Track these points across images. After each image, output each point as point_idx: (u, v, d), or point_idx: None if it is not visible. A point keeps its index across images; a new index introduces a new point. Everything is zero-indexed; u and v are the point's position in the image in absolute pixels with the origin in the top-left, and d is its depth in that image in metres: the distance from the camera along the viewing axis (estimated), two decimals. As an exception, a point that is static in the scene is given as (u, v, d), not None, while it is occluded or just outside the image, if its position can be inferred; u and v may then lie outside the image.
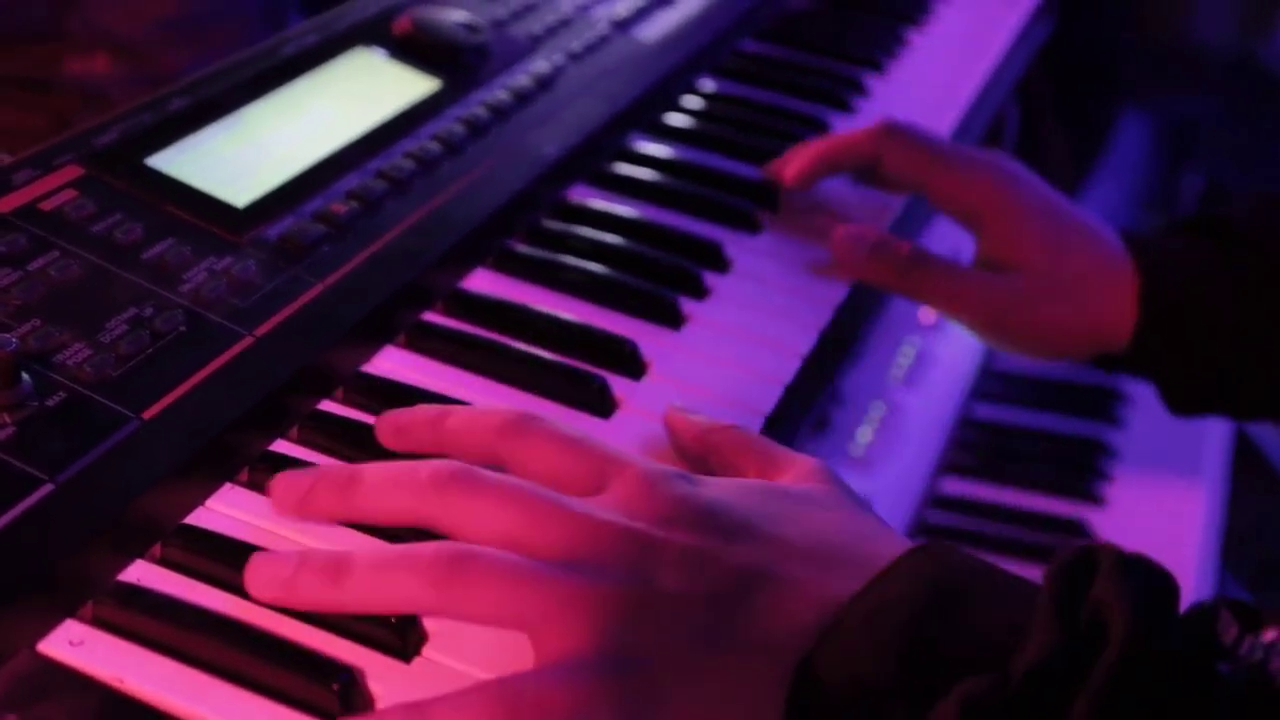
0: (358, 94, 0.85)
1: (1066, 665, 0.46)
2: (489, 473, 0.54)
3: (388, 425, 0.61)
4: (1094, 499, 1.22)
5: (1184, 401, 0.87)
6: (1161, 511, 1.19)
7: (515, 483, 0.54)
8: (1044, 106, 1.74)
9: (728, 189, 0.89)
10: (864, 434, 1.16)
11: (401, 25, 0.92)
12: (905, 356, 1.27)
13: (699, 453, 0.63)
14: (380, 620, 0.54)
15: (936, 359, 1.29)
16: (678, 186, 0.89)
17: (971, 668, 0.47)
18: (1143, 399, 1.33)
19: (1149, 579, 0.49)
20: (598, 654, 0.50)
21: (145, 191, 0.71)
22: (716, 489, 0.56)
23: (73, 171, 0.70)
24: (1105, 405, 1.32)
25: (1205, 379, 0.84)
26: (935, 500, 1.21)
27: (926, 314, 1.34)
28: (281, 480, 0.58)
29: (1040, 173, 0.88)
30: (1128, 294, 0.83)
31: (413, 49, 0.91)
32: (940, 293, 0.82)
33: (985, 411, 1.33)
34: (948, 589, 0.50)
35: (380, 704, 0.52)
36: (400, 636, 0.54)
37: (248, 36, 1.28)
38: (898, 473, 1.15)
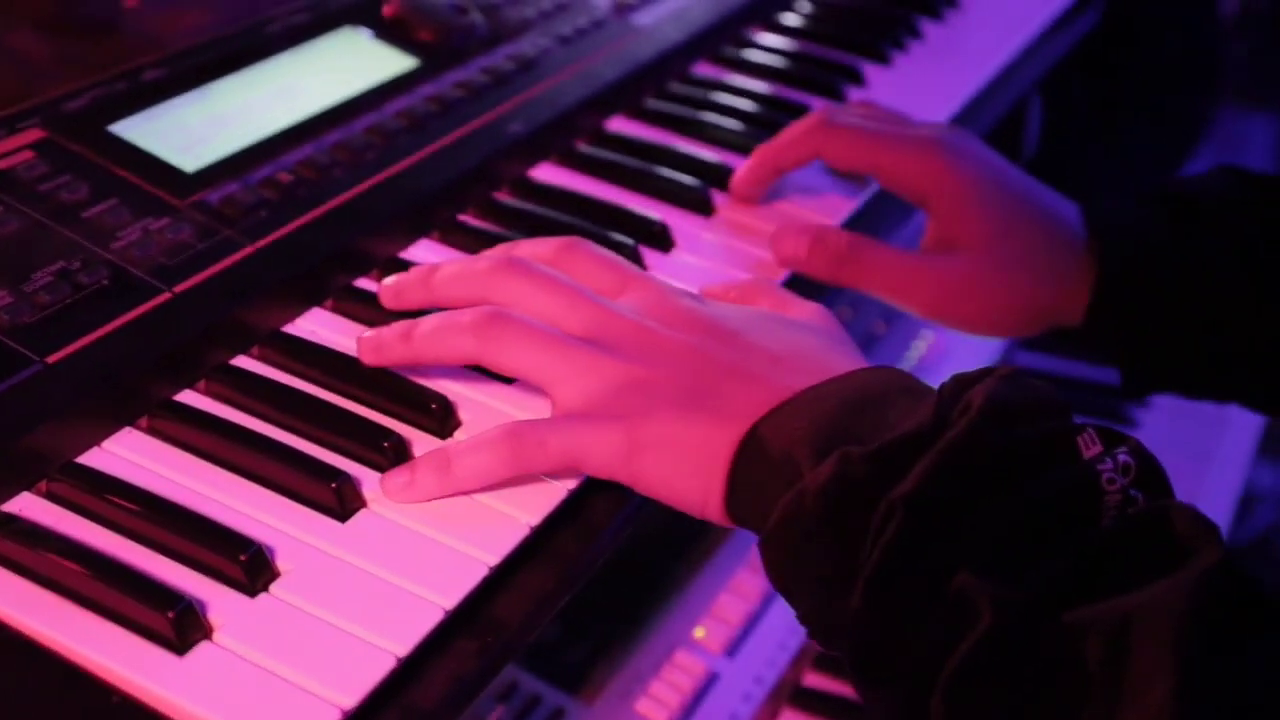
0: (333, 71, 0.89)
1: (925, 437, 0.55)
2: (537, 265, 0.68)
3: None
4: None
5: (1139, 378, 0.86)
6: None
7: (557, 275, 0.68)
8: (1081, 100, 1.71)
9: (685, 170, 0.91)
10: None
11: (390, 6, 0.96)
12: (916, 350, 1.27)
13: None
14: (231, 558, 0.58)
15: (950, 353, 1.29)
16: (638, 167, 0.91)
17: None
18: (1160, 402, 1.31)
19: (1026, 389, 0.57)
20: (593, 409, 0.63)
21: (101, 155, 0.76)
22: (719, 307, 0.69)
23: (35, 134, 0.76)
24: (1119, 405, 1.31)
25: (1160, 354, 0.83)
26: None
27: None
28: (385, 283, 0.72)
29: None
30: (1082, 267, 0.82)
31: (400, 29, 0.95)
32: (880, 282, 0.82)
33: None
34: (877, 392, 0.60)
35: (218, 633, 0.56)
36: (249, 573, 0.58)
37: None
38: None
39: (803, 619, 0.59)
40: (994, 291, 0.83)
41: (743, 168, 0.88)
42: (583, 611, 0.96)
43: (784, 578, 0.59)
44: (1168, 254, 0.82)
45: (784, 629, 0.97)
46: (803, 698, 0.97)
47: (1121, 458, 0.54)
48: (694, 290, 0.79)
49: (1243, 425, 1.32)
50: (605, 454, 0.63)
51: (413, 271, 0.72)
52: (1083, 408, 1.34)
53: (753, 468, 0.61)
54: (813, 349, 0.66)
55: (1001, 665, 0.51)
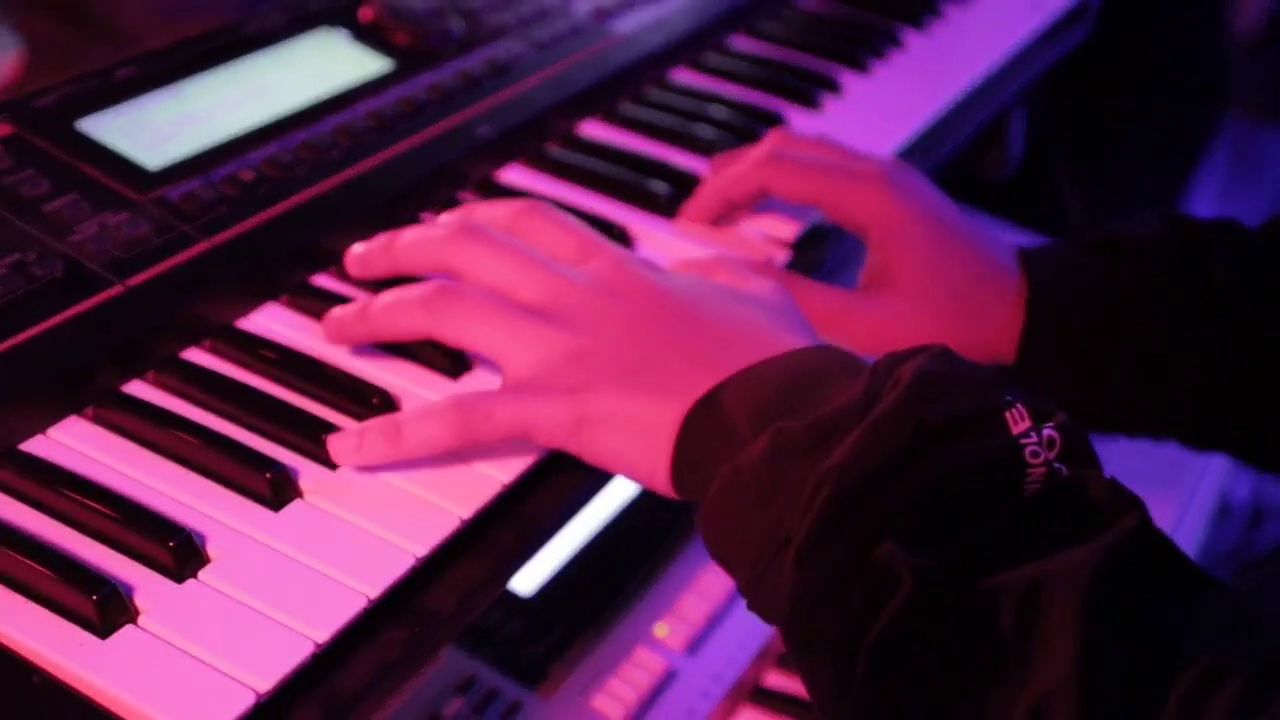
0: (306, 72, 0.90)
1: (856, 410, 0.57)
2: (495, 230, 0.69)
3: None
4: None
5: (1074, 415, 0.86)
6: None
7: (513, 241, 0.69)
8: (1076, 114, 1.72)
9: (651, 174, 0.92)
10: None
11: (368, 8, 0.97)
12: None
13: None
14: (160, 543, 0.59)
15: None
16: (605, 171, 0.92)
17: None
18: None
19: (957, 365, 0.58)
20: (541, 381, 0.65)
21: (66, 151, 0.78)
22: (675, 278, 0.70)
23: (3, 129, 0.78)
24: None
25: (1091, 393, 0.84)
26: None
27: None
28: (352, 251, 0.75)
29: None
30: (1015, 306, 0.83)
31: (377, 32, 0.96)
32: (811, 318, 0.83)
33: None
34: (817, 369, 0.62)
35: (144, 617, 0.58)
36: (177, 559, 0.59)
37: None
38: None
39: (741, 590, 0.60)
40: (923, 327, 0.83)
41: (694, 197, 0.89)
42: (545, 607, 0.97)
43: (721, 549, 0.61)
44: (1097, 296, 0.83)
45: (746, 628, 0.98)
46: (762, 696, 0.98)
47: (1047, 432, 0.55)
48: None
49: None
50: (551, 426, 0.64)
51: (377, 239, 0.74)
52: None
53: (696, 443, 0.62)
54: (761, 325, 0.67)
55: (920, 632, 0.53)
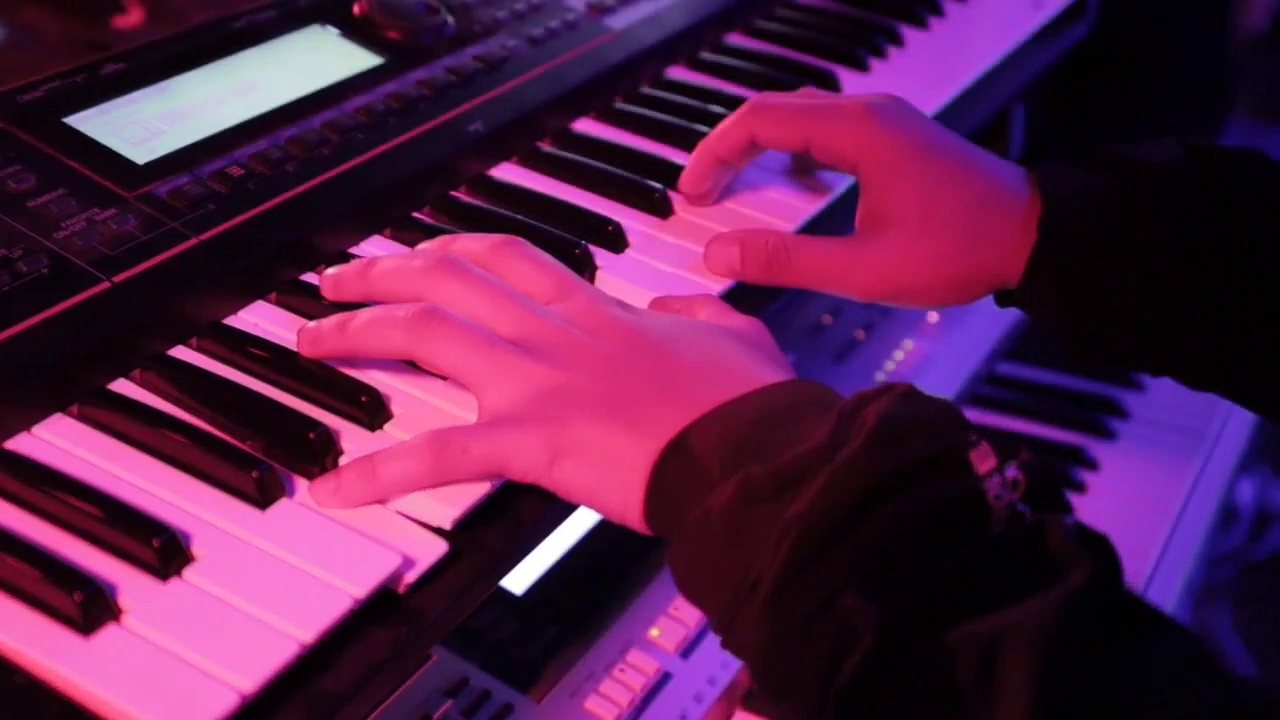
0: (296, 68, 0.90)
1: (821, 455, 0.56)
2: (471, 265, 0.69)
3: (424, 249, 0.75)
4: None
5: (1078, 342, 0.83)
6: (1116, 529, 1.17)
7: (490, 278, 0.69)
8: (1068, 112, 1.71)
9: (646, 171, 0.91)
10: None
11: (360, 4, 0.96)
12: (894, 361, 1.27)
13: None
14: (144, 542, 0.59)
15: (930, 361, 1.29)
16: (598, 168, 0.91)
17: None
18: (1139, 414, 1.31)
19: (922, 405, 0.58)
20: (517, 414, 0.64)
21: (54, 147, 0.77)
22: (648, 317, 0.71)
23: (-11, 125, 0.77)
24: (1097, 416, 1.30)
25: (1095, 317, 0.81)
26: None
27: (931, 314, 1.33)
28: (326, 274, 0.73)
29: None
30: (1024, 229, 0.80)
31: (369, 28, 0.95)
32: (812, 275, 0.82)
33: (970, 416, 1.32)
34: (787, 407, 0.62)
35: (128, 616, 0.57)
36: (161, 558, 0.59)
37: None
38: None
39: (713, 629, 0.60)
40: (927, 259, 0.81)
41: (686, 167, 0.88)
42: (538, 608, 0.97)
43: (692, 590, 0.61)
44: (1108, 215, 0.80)
45: (740, 631, 0.97)
46: (756, 699, 0.97)
47: (1011, 474, 0.55)
48: (642, 292, 0.80)
49: (1225, 441, 1.31)
50: (527, 460, 0.64)
51: (352, 264, 0.73)
52: (1063, 418, 1.34)
53: (668, 482, 0.62)
54: (735, 361, 0.67)
55: (882, 683, 0.52)
